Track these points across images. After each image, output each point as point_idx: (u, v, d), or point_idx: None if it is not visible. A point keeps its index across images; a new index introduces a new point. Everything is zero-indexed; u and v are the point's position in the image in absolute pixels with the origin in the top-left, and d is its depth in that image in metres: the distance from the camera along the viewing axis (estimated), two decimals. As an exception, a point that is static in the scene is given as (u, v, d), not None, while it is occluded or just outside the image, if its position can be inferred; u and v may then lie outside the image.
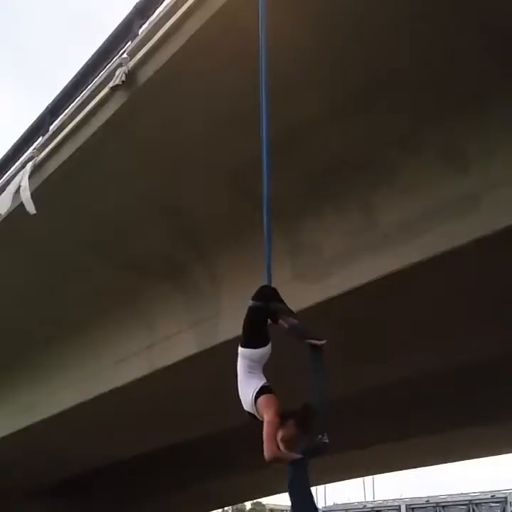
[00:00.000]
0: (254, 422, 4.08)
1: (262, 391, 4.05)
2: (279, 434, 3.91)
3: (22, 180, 8.88)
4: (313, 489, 3.96)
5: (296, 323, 4.19)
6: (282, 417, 3.93)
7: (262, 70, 4.87)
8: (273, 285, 4.44)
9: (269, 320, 4.27)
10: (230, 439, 15.83)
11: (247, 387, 4.11)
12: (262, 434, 3.89)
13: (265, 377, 4.18)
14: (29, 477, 17.39)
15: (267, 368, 4.23)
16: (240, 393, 4.16)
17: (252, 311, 4.28)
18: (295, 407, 4.00)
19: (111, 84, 7.35)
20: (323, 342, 4.09)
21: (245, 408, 4.12)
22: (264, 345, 4.19)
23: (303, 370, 4.20)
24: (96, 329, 11.33)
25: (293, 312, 4.27)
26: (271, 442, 3.86)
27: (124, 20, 8.20)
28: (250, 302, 4.29)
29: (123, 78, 7.24)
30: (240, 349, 4.24)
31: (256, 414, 4.05)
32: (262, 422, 4.00)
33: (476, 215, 6.71)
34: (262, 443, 3.87)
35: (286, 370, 4.07)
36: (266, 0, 5.13)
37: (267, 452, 3.86)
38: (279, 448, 3.88)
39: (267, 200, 4.63)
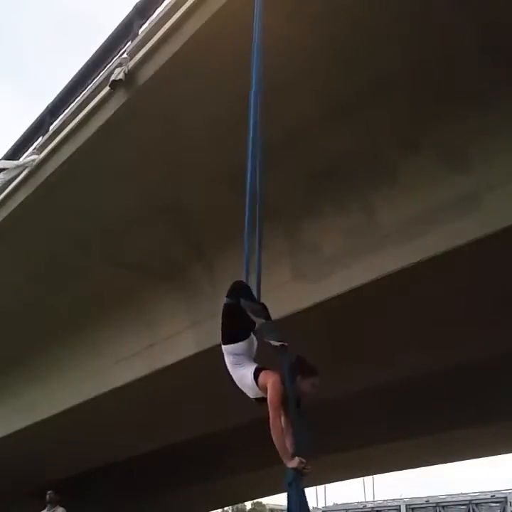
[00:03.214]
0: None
1: (258, 371, 4.09)
2: (300, 392, 3.94)
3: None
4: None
5: (262, 323, 4.14)
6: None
7: (254, 69, 4.84)
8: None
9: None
10: (230, 439, 15.84)
11: (242, 376, 4.14)
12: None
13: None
14: (29, 477, 17.38)
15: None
16: (240, 386, 4.18)
17: (225, 308, 4.31)
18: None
19: (111, 79, 7.34)
20: (280, 343, 4.00)
21: (251, 396, 4.12)
22: (244, 339, 4.20)
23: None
24: (96, 329, 11.34)
25: (264, 311, 4.21)
26: (275, 416, 3.84)
27: (124, 20, 8.20)
28: (225, 299, 4.33)
29: (121, 76, 7.24)
30: (223, 347, 4.28)
31: (264, 394, 4.04)
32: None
33: (476, 215, 6.71)
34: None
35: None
36: (262, 0, 5.11)
37: (271, 425, 3.85)
38: (281, 425, 3.86)
39: (250, 193, 4.54)
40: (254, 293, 4.37)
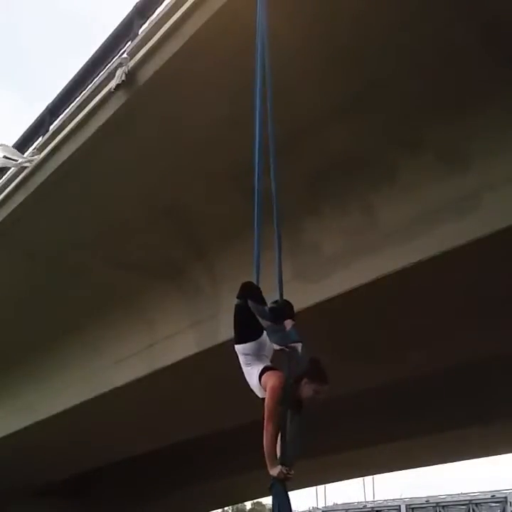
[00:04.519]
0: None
1: (263, 371, 4.11)
2: (301, 395, 3.95)
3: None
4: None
5: (267, 325, 4.18)
6: (295, 380, 3.96)
7: (258, 71, 4.83)
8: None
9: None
10: (230, 439, 15.85)
11: (251, 376, 4.17)
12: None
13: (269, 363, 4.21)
14: (29, 477, 17.39)
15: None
16: (250, 386, 4.21)
17: (236, 309, 4.33)
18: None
19: (113, 83, 7.34)
20: (279, 347, 4.06)
21: (260, 396, 4.14)
22: (254, 340, 4.21)
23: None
24: (96, 329, 11.34)
25: (274, 311, 4.24)
26: (269, 419, 3.85)
27: (124, 20, 8.20)
28: (236, 300, 4.34)
29: (123, 78, 7.25)
30: (235, 346, 4.31)
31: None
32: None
33: (476, 215, 6.72)
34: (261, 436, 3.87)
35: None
36: (265, 0, 5.10)
37: (264, 428, 3.86)
38: (273, 430, 3.86)
39: (258, 194, 4.54)
40: (277, 290, 4.39)
